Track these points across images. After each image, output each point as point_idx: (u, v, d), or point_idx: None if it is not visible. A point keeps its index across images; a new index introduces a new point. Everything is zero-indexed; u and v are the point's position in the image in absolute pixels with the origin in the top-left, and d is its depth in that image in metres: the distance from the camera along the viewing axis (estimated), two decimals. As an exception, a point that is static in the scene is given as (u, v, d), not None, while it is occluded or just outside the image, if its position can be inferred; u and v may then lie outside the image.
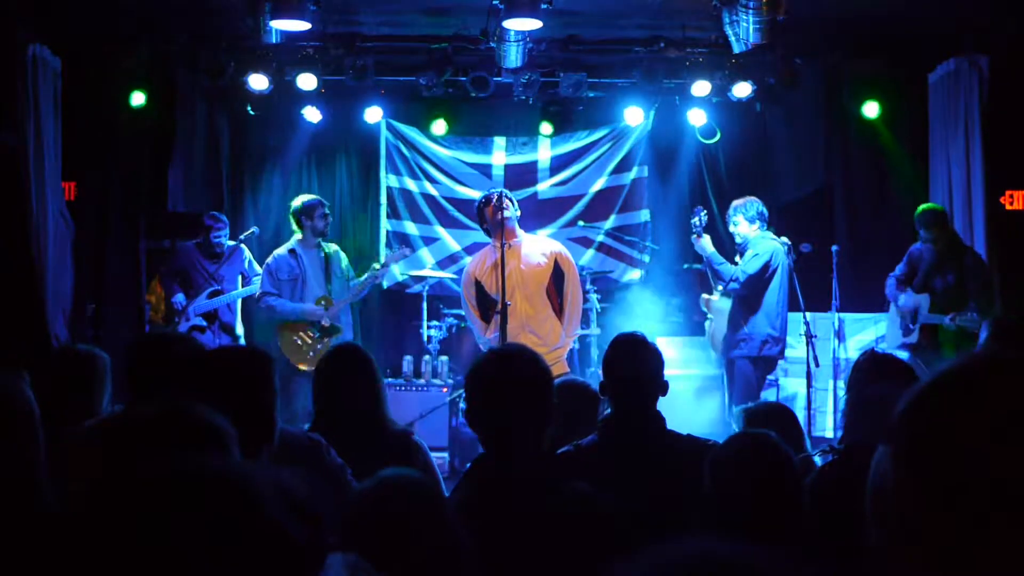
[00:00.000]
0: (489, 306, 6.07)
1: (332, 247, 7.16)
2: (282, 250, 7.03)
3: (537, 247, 6.22)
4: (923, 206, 6.95)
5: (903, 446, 0.95)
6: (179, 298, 7.28)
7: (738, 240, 6.57)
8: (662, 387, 3.16)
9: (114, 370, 3.51)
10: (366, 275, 6.98)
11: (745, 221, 6.52)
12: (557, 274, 6.08)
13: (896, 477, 0.95)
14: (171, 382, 3.15)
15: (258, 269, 7.44)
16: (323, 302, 6.86)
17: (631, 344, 3.25)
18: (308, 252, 6.98)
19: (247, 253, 7.65)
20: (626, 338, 3.30)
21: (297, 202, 7.07)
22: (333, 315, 6.85)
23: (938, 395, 0.96)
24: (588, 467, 3.00)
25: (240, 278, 7.59)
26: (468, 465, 2.76)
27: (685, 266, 8.71)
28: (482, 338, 6.24)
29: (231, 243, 7.50)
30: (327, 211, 7.01)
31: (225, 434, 1.65)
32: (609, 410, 3.21)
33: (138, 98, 7.70)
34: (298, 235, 7.00)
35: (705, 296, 6.87)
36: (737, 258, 6.59)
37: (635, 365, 3.15)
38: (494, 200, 6.02)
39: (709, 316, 6.77)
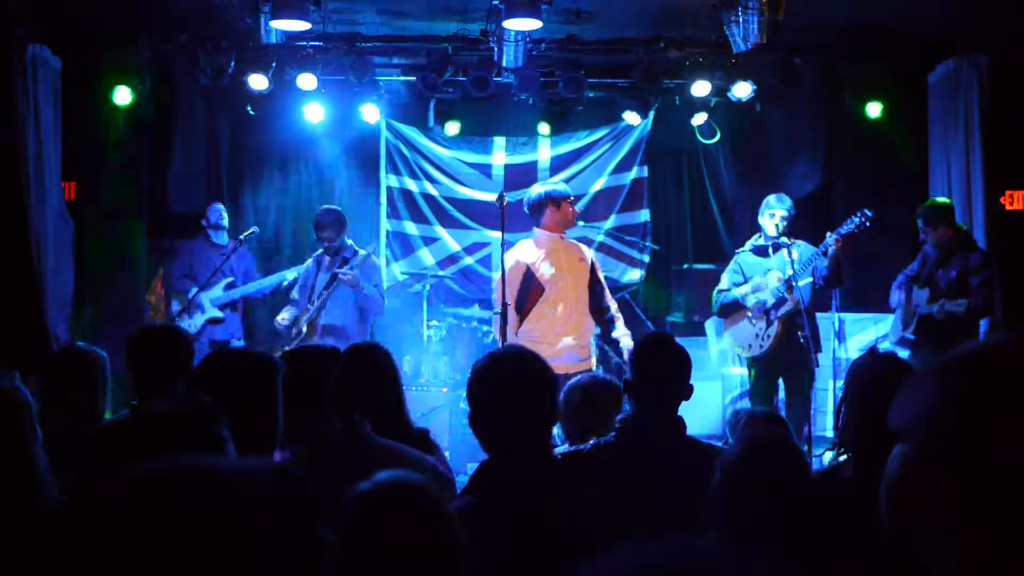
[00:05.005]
0: (533, 292, 6.02)
1: (360, 254, 6.90)
2: (311, 259, 7.04)
3: (577, 247, 6.27)
4: (926, 203, 6.94)
5: (932, 440, 0.93)
6: (185, 284, 7.28)
7: (773, 232, 6.34)
8: (686, 391, 3.12)
9: (113, 368, 3.52)
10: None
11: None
12: (593, 276, 6.14)
13: (922, 472, 0.93)
14: (176, 378, 3.16)
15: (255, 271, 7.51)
16: (310, 303, 6.86)
17: (657, 344, 3.21)
18: (327, 260, 6.96)
19: (247, 253, 7.65)
20: (652, 338, 3.27)
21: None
22: (307, 323, 6.80)
23: (965, 387, 0.94)
24: (603, 465, 2.99)
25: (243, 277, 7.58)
26: (473, 468, 2.75)
27: (685, 266, 8.72)
28: (499, 331, 6.08)
29: (232, 241, 7.49)
30: (327, 235, 6.80)
31: (220, 439, 1.65)
32: (628, 409, 3.18)
33: (124, 96, 7.62)
34: None
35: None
36: (791, 255, 6.22)
37: (659, 366, 3.11)
38: (571, 198, 6.07)
39: (749, 317, 6.54)
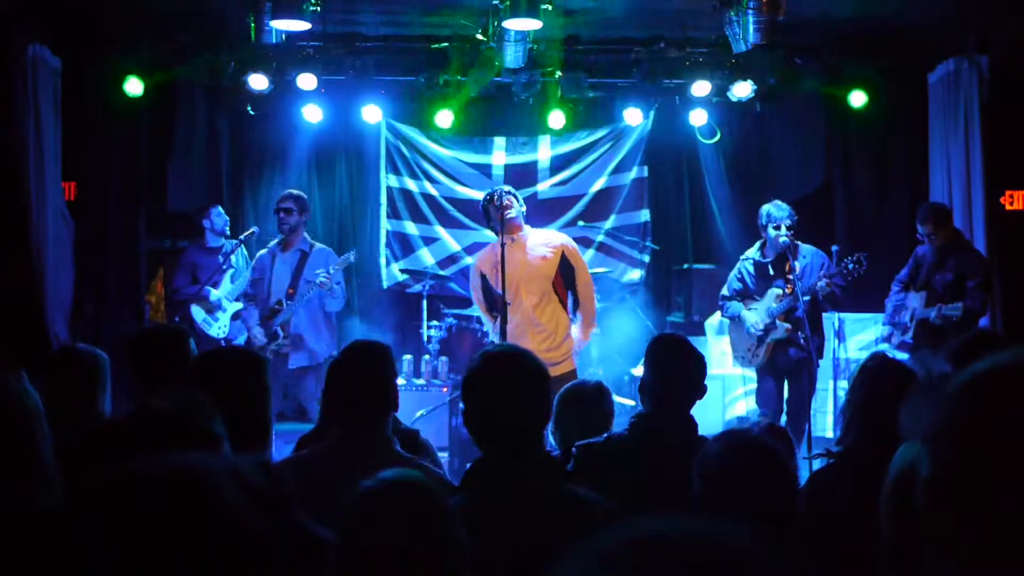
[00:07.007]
0: (494, 299, 6.07)
1: (320, 247, 7.04)
2: (265, 249, 7.06)
3: (543, 240, 6.18)
4: (927, 204, 6.96)
5: (952, 447, 0.93)
6: (192, 290, 7.29)
7: (783, 240, 6.34)
8: (699, 390, 3.20)
9: (113, 368, 3.52)
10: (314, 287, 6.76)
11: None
12: (565, 268, 6.03)
13: (938, 478, 0.92)
14: (175, 378, 3.17)
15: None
16: (279, 304, 6.87)
17: (668, 345, 3.30)
18: (282, 252, 6.96)
19: (243, 251, 7.65)
20: (664, 339, 3.37)
21: None
22: (281, 323, 6.82)
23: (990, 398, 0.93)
24: (615, 459, 3.03)
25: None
26: (468, 466, 2.76)
27: (685, 266, 8.72)
28: (491, 331, 6.27)
29: (232, 241, 7.50)
30: (282, 207, 6.91)
31: (215, 435, 1.66)
32: (641, 408, 3.24)
33: (124, 96, 7.59)
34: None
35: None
36: (794, 269, 6.29)
37: (670, 366, 3.19)
38: (495, 199, 5.99)
39: (752, 327, 6.51)
